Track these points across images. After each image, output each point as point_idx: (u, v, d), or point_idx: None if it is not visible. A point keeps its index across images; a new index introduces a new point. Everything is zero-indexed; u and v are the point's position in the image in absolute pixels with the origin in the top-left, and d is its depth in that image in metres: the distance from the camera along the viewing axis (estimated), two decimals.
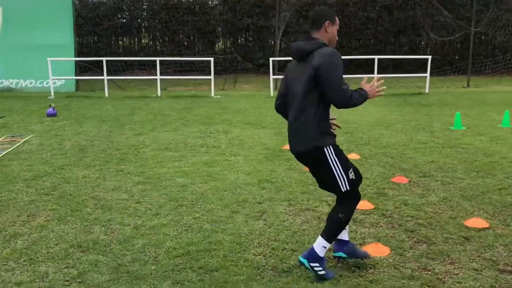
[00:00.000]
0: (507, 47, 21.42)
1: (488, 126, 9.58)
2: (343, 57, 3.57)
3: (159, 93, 15.25)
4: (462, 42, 21.91)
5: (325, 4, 21.27)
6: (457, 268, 3.65)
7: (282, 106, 3.75)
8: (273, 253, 3.92)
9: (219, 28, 21.89)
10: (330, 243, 3.57)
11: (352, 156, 7.05)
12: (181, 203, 5.14)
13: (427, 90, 15.62)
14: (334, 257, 3.79)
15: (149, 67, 20.14)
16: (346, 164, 3.50)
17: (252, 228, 4.44)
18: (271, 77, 15.40)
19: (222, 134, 9.04)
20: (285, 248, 4.00)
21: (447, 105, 12.72)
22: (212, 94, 15.22)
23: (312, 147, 3.45)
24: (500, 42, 21.45)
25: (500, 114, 10.78)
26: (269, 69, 15.60)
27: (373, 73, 15.56)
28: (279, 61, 16.83)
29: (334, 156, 3.44)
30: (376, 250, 3.90)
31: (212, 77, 15.26)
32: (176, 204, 5.10)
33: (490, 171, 6.28)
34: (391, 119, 10.51)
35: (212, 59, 15.53)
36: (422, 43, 22.05)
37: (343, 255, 3.74)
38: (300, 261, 3.58)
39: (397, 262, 3.75)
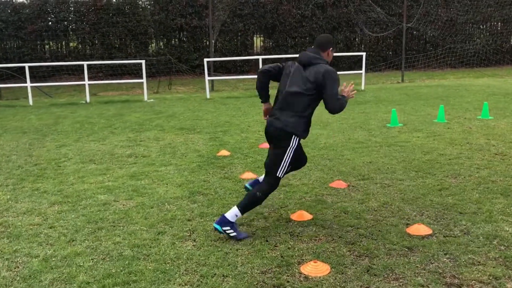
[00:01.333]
0: (438, 42, 21.99)
1: (424, 121, 9.57)
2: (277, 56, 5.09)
3: (88, 99, 14.40)
4: (395, 38, 22.28)
5: (258, 2, 21.06)
6: (402, 284, 3.36)
7: (268, 77, 4.47)
8: (201, 281, 3.49)
9: (151, 29, 21.11)
10: (242, 214, 4.29)
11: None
12: (100, 225, 4.60)
13: (363, 87, 15.66)
14: (246, 185, 4.82)
15: (77, 72, 19.12)
16: (294, 159, 4.34)
17: (179, 251, 3.98)
18: (207, 78, 14.92)
19: (154, 141, 8.49)
20: (215, 274, 3.58)
21: (383, 102, 12.73)
22: (145, 98, 14.55)
23: (289, 131, 4.20)
24: (431, 37, 21.98)
25: (434, 108, 10.85)
26: (204, 70, 15.09)
27: None
28: (214, 62, 16.37)
29: (294, 147, 4.25)
30: (315, 269, 3.55)
31: (144, 80, 14.58)
32: (95, 227, 4.55)
33: (429, 170, 6.13)
34: (328, 118, 10.31)
35: (143, 61, 14.84)
36: (357, 39, 22.23)
37: (218, 228, 4.21)
38: (214, 228, 4.21)
39: (338, 282, 3.41)
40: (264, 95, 4.54)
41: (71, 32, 21.13)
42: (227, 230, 4.16)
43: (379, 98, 13.43)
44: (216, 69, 21.29)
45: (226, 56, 20.95)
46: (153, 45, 21.87)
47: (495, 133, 8.18)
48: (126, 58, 20.05)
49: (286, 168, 4.28)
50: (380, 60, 21.77)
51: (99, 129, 9.88)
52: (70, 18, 20.66)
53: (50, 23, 20.29)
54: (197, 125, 9.98)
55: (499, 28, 22.49)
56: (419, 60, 21.79)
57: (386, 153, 7.09)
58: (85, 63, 14.34)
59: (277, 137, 4.28)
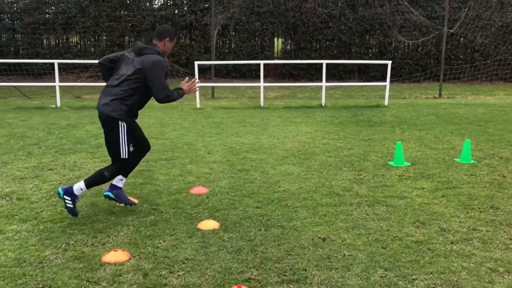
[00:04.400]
0: (489, 51, 18.81)
1: (442, 160, 6.91)
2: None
3: (58, 104, 12.49)
4: (437, 44, 19.28)
5: None
6: None
7: (106, 70, 4.70)
8: None
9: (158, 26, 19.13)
10: (87, 189, 4.60)
11: (206, 226, 4.41)
12: None
13: (386, 102, 12.95)
14: (104, 195, 4.85)
15: (77, 70, 17.36)
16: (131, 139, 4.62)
17: None
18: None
19: (66, 170, 6.34)
20: None
21: (403, 124, 10.06)
22: None
23: (115, 115, 4.42)
24: (481, 45, 18.82)
25: (465, 137, 8.14)
26: (211, 73, 12.84)
27: (322, 81, 12.88)
28: (226, 64, 14.09)
29: (125, 130, 4.47)
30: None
31: None
32: None
33: (406, 269, 3.60)
34: (318, 146, 7.85)
35: None
36: (393, 44, 19.33)
37: (111, 195, 4.77)
38: (58, 192, 4.55)
39: None
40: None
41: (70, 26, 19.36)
42: (67, 200, 4.49)
43: (401, 119, 10.74)
44: (229, 72, 19.07)
45: (240, 59, 18.65)
46: None
47: None
48: None
49: (126, 147, 4.51)
50: (419, 70, 18.85)
51: (20, 147, 7.81)
52: (69, 11, 18.87)
53: (47, 15, 18.62)
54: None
55: None
56: (465, 72, 18.70)
57: (358, 220, 4.59)
58: (56, 61, 12.42)
59: (103, 122, 4.54)
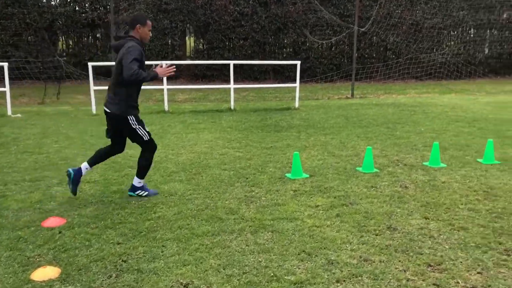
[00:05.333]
0: (401, 49, 18.95)
1: (343, 170, 6.37)
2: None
3: None
4: (351, 44, 19.18)
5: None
6: None
7: None
8: None
9: (58, 24, 17.59)
10: (142, 178, 5.19)
11: (42, 275, 3.51)
12: None
13: (297, 105, 12.44)
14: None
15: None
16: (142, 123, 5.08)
17: None
18: (92, 88, 11.48)
19: None
20: None
21: (310, 128, 9.53)
22: (9, 112, 11.10)
23: (122, 114, 4.89)
24: (393, 43, 18.92)
25: (374, 142, 7.67)
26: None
27: (230, 83, 12.15)
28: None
29: (135, 121, 4.96)
30: None
31: (7, 88, 11.10)
32: None
33: None
34: (214, 157, 7.09)
35: (5, 64, 11.33)
36: (307, 44, 18.97)
37: (132, 194, 5.26)
38: (129, 195, 5.16)
39: None
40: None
41: None
42: (139, 193, 5.18)
43: (310, 122, 10.23)
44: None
45: (149, 59, 17.53)
46: (63, 43, 18.36)
47: (439, 203, 5.00)
48: (26, 58, 16.48)
49: (143, 130, 5.03)
50: (333, 69, 18.65)
51: None
52: None
53: None
54: (11, 166, 6.62)
55: (471, 35, 19.56)
56: (378, 71, 18.73)
57: (235, 255, 3.85)
58: None
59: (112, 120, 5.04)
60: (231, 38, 18.30)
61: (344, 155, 7.21)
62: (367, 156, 6.34)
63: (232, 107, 12.10)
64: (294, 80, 17.89)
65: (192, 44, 19.41)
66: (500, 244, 4.01)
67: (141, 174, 5.19)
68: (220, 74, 18.29)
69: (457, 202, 5.07)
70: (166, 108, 11.93)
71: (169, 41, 18.60)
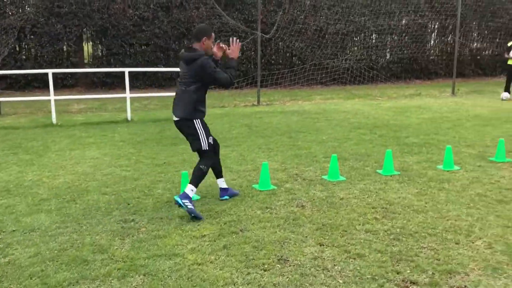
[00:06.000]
0: (306, 55, 18.95)
1: (238, 189, 5.83)
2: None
3: None
4: (256, 49, 18.89)
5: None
6: None
7: None
8: None
9: None
10: (196, 186, 4.96)
11: None
12: None
13: None
14: (221, 199, 5.35)
15: None
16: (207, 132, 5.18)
17: None
18: None
19: None
20: None
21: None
22: None
23: (188, 116, 5.04)
24: (298, 49, 18.88)
25: (270, 154, 7.22)
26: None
27: (125, 92, 11.28)
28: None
29: (200, 125, 5.09)
30: None
31: None
32: None
33: None
34: (96, 178, 6.29)
35: None
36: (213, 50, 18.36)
37: (227, 197, 5.41)
38: (175, 200, 4.86)
39: None
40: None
41: None
42: (185, 202, 4.78)
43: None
44: (30, 82, 16.46)
45: (41, 66, 16.14)
46: None
47: (335, 225, 4.60)
48: None
49: (206, 140, 5.10)
50: (240, 75, 18.23)
51: None
52: None
53: None
54: None
55: (373, 41, 20.01)
56: (284, 77, 18.59)
57: None
58: None
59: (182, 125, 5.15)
60: (131, 44, 17.30)
61: (242, 170, 6.69)
62: (263, 173, 5.85)
63: (129, 118, 11.24)
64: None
65: (90, 50, 18.17)
66: (397, 273, 3.64)
67: (195, 180, 5.03)
68: (122, 82, 17.21)
69: (354, 222, 4.69)
70: (54, 120, 10.83)
71: (64, 47, 17.25)
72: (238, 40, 5.16)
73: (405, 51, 20.04)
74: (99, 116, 12.10)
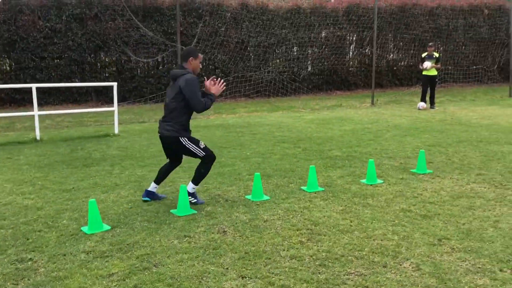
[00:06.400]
0: (230, 68, 18.70)
1: (154, 216, 5.37)
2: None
3: None
4: (177, 62, 18.40)
5: None
6: None
7: None
8: None
9: None
10: (196, 185, 5.60)
11: None
12: None
13: (116, 130, 11.16)
14: (143, 199, 5.75)
15: None
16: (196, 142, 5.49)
17: None
18: None
19: None
20: None
21: (128, 159, 8.41)
22: None
23: (175, 135, 5.36)
24: (221, 62, 18.60)
25: (191, 174, 6.80)
26: None
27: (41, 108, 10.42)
28: None
29: (188, 141, 5.40)
30: None
31: None
32: None
33: None
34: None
35: None
36: (132, 62, 17.67)
37: (148, 199, 5.77)
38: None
39: None
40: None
41: None
42: (190, 199, 5.49)
43: (129, 151, 9.07)
44: None
45: None
46: None
47: (259, 252, 4.27)
48: None
49: (199, 149, 5.45)
50: (161, 89, 17.65)
51: None
52: None
53: None
54: None
55: (295, 53, 20.14)
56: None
57: None
58: None
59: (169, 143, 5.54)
60: (43, 57, 16.20)
61: (160, 193, 6.22)
62: (181, 197, 5.43)
63: (37, 137, 10.37)
64: (123, 101, 16.57)
65: None
66: None
67: (197, 181, 5.59)
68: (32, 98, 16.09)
69: (279, 247, 4.39)
70: None
71: None
72: (223, 82, 5.65)
73: (325, 63, 20.34)
74: (5, 136, 11.10)
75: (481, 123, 11.76)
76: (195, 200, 5.58)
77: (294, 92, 19.53)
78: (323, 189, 6.31)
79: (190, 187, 5.57)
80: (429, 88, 15.14)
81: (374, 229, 4.83)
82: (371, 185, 6.51)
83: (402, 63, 22.14)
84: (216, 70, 19.07)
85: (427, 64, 14.73)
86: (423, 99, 15.18)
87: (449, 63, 22.25)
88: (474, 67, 22.60)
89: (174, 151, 5.62)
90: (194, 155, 5.47)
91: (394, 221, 5.08)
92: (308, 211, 5.43)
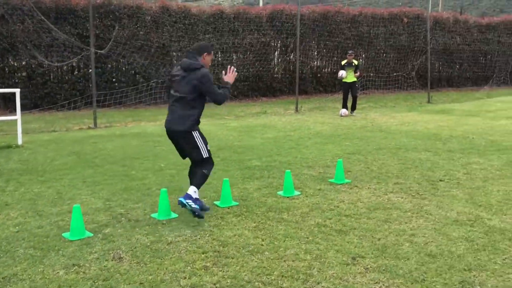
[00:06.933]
0: (150, 73, 17.97)
1: (43, 241, 4.73)
2: None
3: None
4: (96, 66, 17.47)
5: None
6: None
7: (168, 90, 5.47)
8: None
9: None
10: (198, 188, 5.22)
11: None
12: None
13: (20, 141, 10.20)
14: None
15: None
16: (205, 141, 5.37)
17: None
18: None
19: None
20: None
21: (27, 174, 7.61)
22: None
23: (187, 129, 5.18)
24: (142, 67, 17.83)
25: (96, 190, 6.17)
26: None
27: None
28: None
29: (199, 136, 5.27)
30: None
31: None
32: None
33: None
34: None
35: None
36: (45, 67, 16.48)
37: (183, 200, 5.12)
38: (179, 201, 5.08)
39: None
40: None
41: None
42: (189, 202, 5.04)
43: (30, 164, 8.25)
44: None
45: None
46: None
47: (156, 282, 3.79)
48: None
49: (205, 148, 5.30)
50: (76, 95, 16.64)
51: None
52: None
53: None
54: None
55: (219, 59, 19.75)
56: (128, 96, 17.43)
57: None
58: None
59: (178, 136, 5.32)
60: None
61: (54, 214, 5.56)
62: (74, 218, 4.82)
63: None
64: (34, 108, 15.40)
65: None
66: None
67: (198, 182, 5.28)
68: None
69: (179, 275, 3.92)
70: None
71: None
72: (235, 69, 5.53)
73: (250, 69, 20.10)
74: None
75: (400, 130, 11.90)
76: (194, 206, 5.07)
77: None
78: (238, 203, 5.91)
79: (192, 190, 5.15)
80: (350, 94, 15.27)
81: (286, 248, 4.48)
82: (288, 197, 6.20)
83: (326, 70, 22.36)
84: (137, 76, 18.29)
85: (342, 73, 14.88)
86: (344, 106, 15.27)
87: (370, 70, 22.75)
88: (395, 74, 23.26)
89: (181, 146, 5.39)
90: (197, 153, 5.27)
91: (308, 238, 4.76)
92: (218, 229, 5.00)
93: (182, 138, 5.27)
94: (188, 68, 5.17)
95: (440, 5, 39.10)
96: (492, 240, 4.66)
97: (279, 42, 20.99)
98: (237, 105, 18.61)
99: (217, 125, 13.27)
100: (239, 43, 19.62)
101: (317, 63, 22.17)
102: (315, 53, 22.04)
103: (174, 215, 5.45)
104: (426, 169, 7.69)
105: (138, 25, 17.60)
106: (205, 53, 5.28)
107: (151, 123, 13.90)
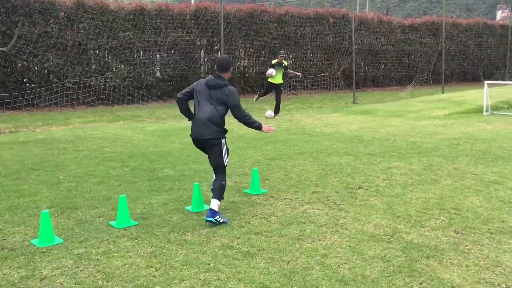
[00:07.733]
0: (66, 72, 16.76)
1: None
2: None
3: None
4: (6, 66, 16.07)
5: None
6: None
7: (185, 102, 5.67)
8: None
9: None
10: (219, 200, 5.31)
11: None
12: None
13: None
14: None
15: None
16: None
17: None
18: None
19: None
20: None
21: None
22: None
23: (219, 137, 5.50)
24: (56, 66, 16.59)
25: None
26: None
27: None
28: None
29: (225, 146, 5.59)
30: None
31: None
32: None
33: None
34: None
35: None
36: None
37: (211, 219, 5.17)
38: (207, 220, 5.13)
39: None
40: (188, 115, 5.72)
41: None
42: (217, 218, 5.14)
43: None
44: None
45: None
46: None
47: None
48: None
49: (227, 158, 5.60)
50: None
51: None
52: None
53: None
54: None
55: (141, 58, 18.78)
56: (41, 97, 16.15)
57: None
58: None
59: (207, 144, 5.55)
60: None
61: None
62: None
63: None
64: None
65: None
66: None
67: (220, 195, 5.37)
68: None
69: None
70: None
71: None
72: (275, 129, 6.09)
73: (175, 69, 19.31)
74: None
75: (324, 132, 11.62)
76: (222, 220, 5.22)
77: (142, 99, 18.18)
78: (137, 223, 5.25)
79: (215, 204, 5.23)
80: (274, 96, 14.93)
81: (181, 280, 3.89)
82: (196, 212, 5.62)
83: (253, 70, 21.93)
84: (50, 76, 17.01)
85: (272, 71, 14.44)
86: (260, 96, 15.11)
87: (297, 70, 22.55)
88: (322, 74, 23.24)
89: (209, 152, 5.61)
90: (219, 161, 5.52)
91: (209, 264, 4.19)
92: (106, 258, 4.33)
93: (212, 144, 5.53)
94: (216, 86, 5.47)
95: (367, 6, 39.96)
96: (409, 259, 4.29)
97: (205, 40, 20.31)
98: (160, 106, 17.77)
99: (134, 129, 12.43)
100: (162, 41, 18.75)
101: (244, 62, 21.68)
102: (242, 53, 21.55)
103: (58, 240, 4.71)
104: (346, 175, 7.35)
105: (51, 21, 16.34)
106: (231, 68, 5.62)
107: (62, 127, 12.85)
